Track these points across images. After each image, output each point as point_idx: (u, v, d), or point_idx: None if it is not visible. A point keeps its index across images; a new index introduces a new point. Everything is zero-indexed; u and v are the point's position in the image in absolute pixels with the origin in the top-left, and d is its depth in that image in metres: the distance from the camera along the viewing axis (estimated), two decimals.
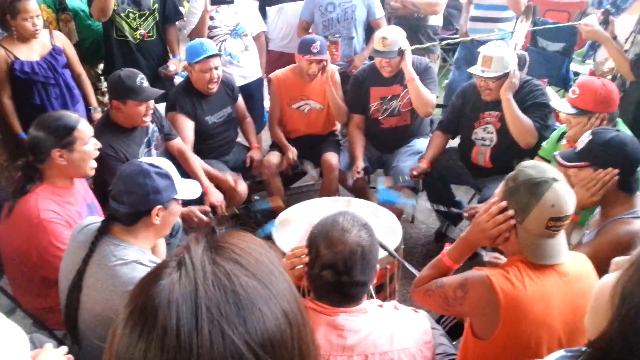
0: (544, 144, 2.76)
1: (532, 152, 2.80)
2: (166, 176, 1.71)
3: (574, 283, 1.50)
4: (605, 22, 2.90)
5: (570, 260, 1.55)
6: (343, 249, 1.36)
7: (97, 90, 3.72)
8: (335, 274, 1.36)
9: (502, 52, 2.80)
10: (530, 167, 1.52)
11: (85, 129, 2.11)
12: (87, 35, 3.54)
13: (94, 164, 2.17)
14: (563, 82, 4.78)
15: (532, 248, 1.50)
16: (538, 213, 1.46)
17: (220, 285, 0.56)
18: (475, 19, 4.35)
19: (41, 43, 3.05)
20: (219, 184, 3.05)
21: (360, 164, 3.23)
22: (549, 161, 2.62)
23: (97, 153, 2.17)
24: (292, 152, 3.40)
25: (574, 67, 5.02)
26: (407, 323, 1.46)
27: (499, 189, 1.59)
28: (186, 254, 0.59)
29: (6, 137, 3.18)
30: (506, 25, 4.23)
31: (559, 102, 2.54)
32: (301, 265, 1.47)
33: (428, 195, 3.29)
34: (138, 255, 1.64)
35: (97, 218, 1.79)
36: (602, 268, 1.82)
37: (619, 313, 0.82)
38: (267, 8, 3.95)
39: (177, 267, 0.58)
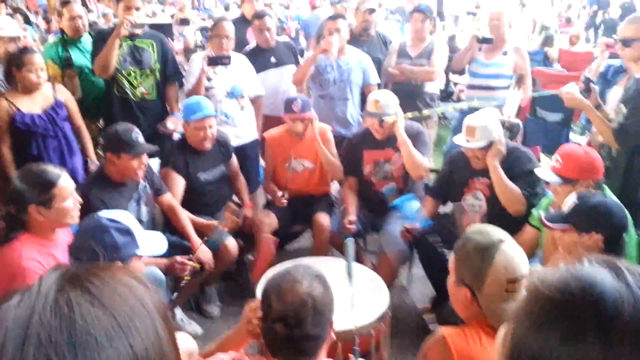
0: (533, 211, 2.74)
1: (523, 220, 2.77)
2: (126, 232, 1.68)
3: None
4: (587, 91, 2.95)
5: None
6: (293, 300, 1.34)
7: (97, 144, 3.79)
8: (287, 327, 1.34)
9: (485, 122, 2.84)
10: (476, 232, 1.53)
11: (65, 185, 2.11)
12: (90, 91, 3.66)
13: (77, 214, 2.18)
14: None
15: (494, 314, 1.47)
16: (493, 277, 1.45)
17: (58, 313, 0.53)
18: (472, 87, 4.44)
19: (44, 96, 3.15)
20: (205, 232, 3.03)
21: (352, 217, 3.21)
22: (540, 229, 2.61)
23: (77, 207, 2.17)
24: (284, 195, 3.38)
25: (573, 137, 5.06)
26: None
27: (451, 260, 1.58)
28: (39, 279, 0.57)
29: (3, 186, 3.22)
30: (503, 93, 4.31)
31: (544, 171, 2.55)
32: (257, 321, 1.45)
33: (421, 260, 3.24)
34: None
35: None
36: None
37: None
38: None
39: (23, 292, 0.56)
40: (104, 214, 1.74)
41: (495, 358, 1.36)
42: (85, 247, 1.66)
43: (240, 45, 4.23)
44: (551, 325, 0.64)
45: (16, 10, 8.43)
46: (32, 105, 3.11)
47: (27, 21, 8.01)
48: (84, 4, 10.06)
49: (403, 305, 3.40)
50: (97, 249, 1.64)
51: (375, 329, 2.37)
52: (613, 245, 1.88)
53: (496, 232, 1.51)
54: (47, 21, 8.98)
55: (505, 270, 1.44)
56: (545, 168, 2.59)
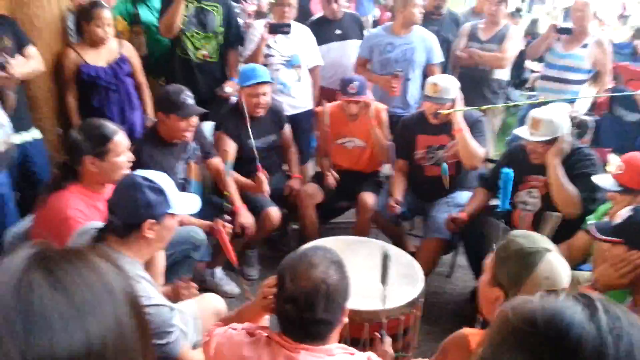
0: (589, 217, 2.58)
1: (576, 224, 2.63)
2: (159, 191, 1.71)
3: None
4: None
5: None
6: (306, 284, 1.33)
7: None
8: (297, 310, 1.33)
9: (552, 116, 2.68)
10: (522, 236, 1.45)
11: (120, 141, 2.19)
12: (155, 49, 3.72)
13: (128, 171, 2.25)
14: None
15: None
16: (530, 286, 1.38)
17: (18, 292, 0.54)
18: (546, 77, 4.23)
19: (109, 50, 3.24)
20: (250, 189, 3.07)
21: (397, 198, 3.14)
22: None
23: (129, 164, 2.25)
24: (333, 178, 3.38)
25: None
26: None
27: (489, 258, 1.51)
28: (10, 256, 0.58)
29: (67, 134, 3.37)
30: (578, 88, 4.08)
31: (604, 177, 2.39)
32: (272, 297, 1.45)
33: (466, 249, 3.17)
34: (127, 268, 1.65)
35: (100, 224, 1.83)
36: None
37: None
38: None
39: None
40: (139, 172, 1.79)
41: None
42: (120, 204, 1.71)
43: (304, 16, 4.20)
44: (514, 354, 0.66)
45: None
46: (97, 58, 3.20)
47: None
48: None
49: (441, 293, 3.36)
50: (130, 206, 1.69)
51: (406, 314, 2.34)
52: None
53: (543, 240, 1.43)
54: None
55: (546, 280, 1.37)
56: (607, 174, 2.43)
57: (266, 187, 3.05)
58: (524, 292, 1.38)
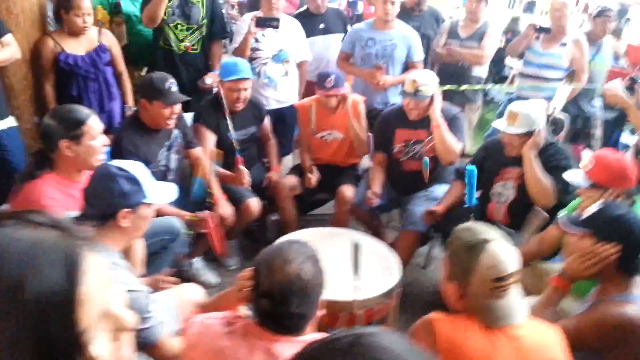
0: (561, 211, 2.64)
1: (551, 214, 2.68)
2: (134, 180, 1.73)
3: (528, 351, 1.43)
4: (631, 89, 2.80)
5: (530, 327, 1.48)
6: (281, 280, 1.35)
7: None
8: (272, 304, 1.36)
9: (529, 110, 2.74)
10: (464, 229, 1.50)
11: (94, 125, 2.19)
12: (136, 39, 3.70)
13: (102, 157, 2.25)
14: None
15: (482, 311, 1.46)
16: (479, 276, 1.43)
17: None
18: (524, 75, 4.28)
19: (89, 39, 3.22)
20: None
21: (375, 191, 3.17)
22: None
23: (104, 149, 2.25)
24: (314, 176, 3.40)
25: (624, 138, 4.81)
26: None
27: (443, 256, 1.58)
28: None
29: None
30: (555, 85, 4.13)
31: (575, 173, 2.45)
32: (247, 290, 1.47)
33: (442, 242, 3.22)
34: (103, 256, 1.64)
35: (76, 213, 1.83)
36: (580, 345, 1.72)
37: None
38: None
39: None
40: (114, 162, 1.80)
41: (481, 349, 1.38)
42: (95, 193, 1.72)
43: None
44: None
45: None
46: (76, 47, 3.18)
47: None
48: None
49: (417, 283, 3.39)
50: (105, 196, 1.70)
51: (380, 304, 2.37)
52: (629, 259, 1.80)
53: (484, 231, 1.48)
54: None
55: (490, 270, 1.42)
56: (578, 170, 2.49)
57: (247, 179, 3.06)
58: (473, 284, 1.44)
